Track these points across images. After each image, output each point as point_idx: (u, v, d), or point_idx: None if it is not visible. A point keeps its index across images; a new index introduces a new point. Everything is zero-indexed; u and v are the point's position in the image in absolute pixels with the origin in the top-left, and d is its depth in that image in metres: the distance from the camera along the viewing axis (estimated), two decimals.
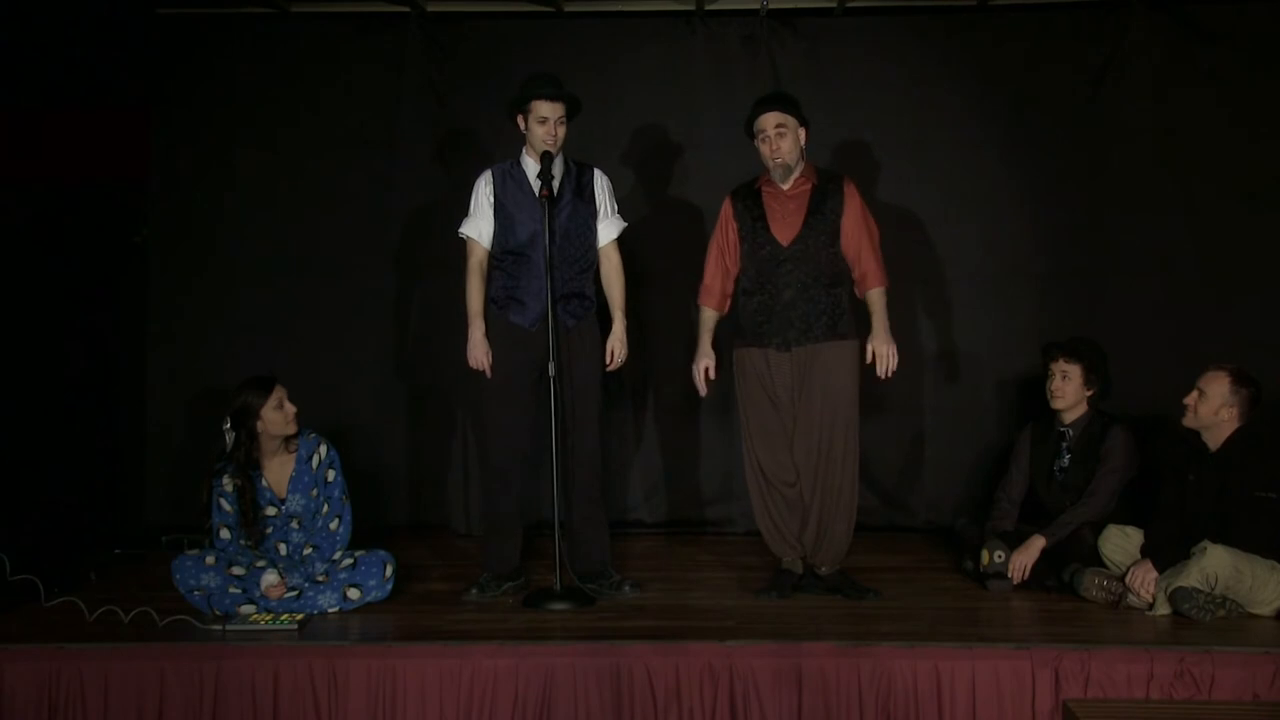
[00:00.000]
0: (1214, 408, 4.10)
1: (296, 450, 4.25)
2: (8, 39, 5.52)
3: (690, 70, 5.64)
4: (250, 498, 4.18)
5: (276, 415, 4.16)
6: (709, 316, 4.40)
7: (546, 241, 4.14)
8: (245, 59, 5.69)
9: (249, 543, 4.19)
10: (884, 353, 4.18)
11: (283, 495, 4.25)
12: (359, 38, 5.69)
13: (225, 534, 4.20)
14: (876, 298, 4.25)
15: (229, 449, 4.19)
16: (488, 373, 4.32)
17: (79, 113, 5.97)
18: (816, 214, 4.22)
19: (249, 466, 4.19)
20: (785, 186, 4.28)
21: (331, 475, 4.26)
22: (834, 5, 5.59)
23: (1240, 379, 4.11)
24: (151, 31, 5.65)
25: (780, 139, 4.18)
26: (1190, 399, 4.15)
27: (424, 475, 5.73)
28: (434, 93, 5.67)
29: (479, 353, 4.31)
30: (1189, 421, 4.17)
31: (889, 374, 4.20)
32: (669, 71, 5.65)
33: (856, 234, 4.24)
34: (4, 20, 5.34)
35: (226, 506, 4.19)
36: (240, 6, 5.62)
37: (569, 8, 5.63)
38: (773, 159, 4.21)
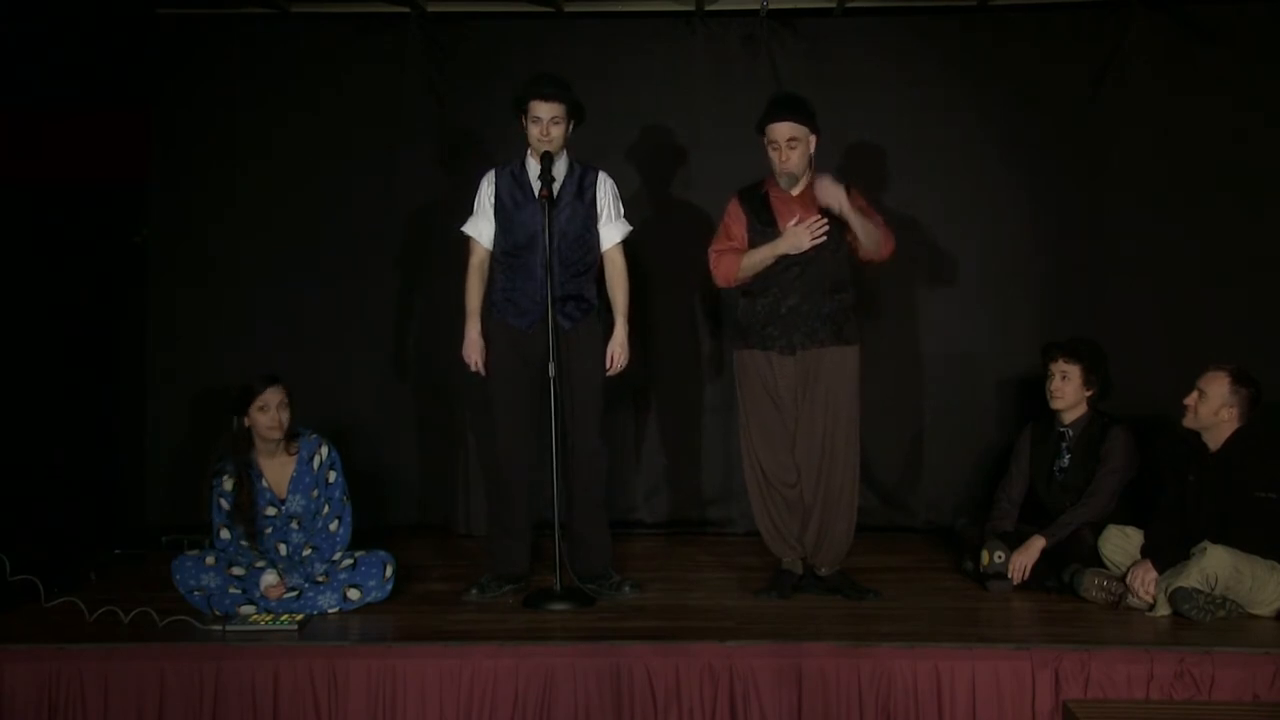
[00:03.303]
0: (1214, 408, 4.10)
1: (297, 451, 4.25)
2: (7, 39, 5.52)
3: (690, 70, 5.64)
4: (246, 494, 4.17)
5: (260, 417, 4.15)
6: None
7: (545, 242, 4.13)
8: (245, 59, 5.68)
9: (247, 542, 4.19)
10: (827, 185, 4.09)
11: (283, 496, 4.24)
12: (359, 38, 5.68)
13: (225, 534, 4.20)
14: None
15: (232, 441, 4.19)
16: (481, 371, 4.32)
17: (79, 113, 5.97)
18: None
19: (245, 464, 4.18)
20: (793, 192, 4.27)
21: (332, 476, 4.26)
22: (834, 5, 5.58)
23: (1240, 379, 4.10)
24: (151, 31, 5.64)
25: (791, 150, 4.17)
26: (1190, 399, 4.15)
27: (424, 475, 5.73)
28: (434, 93, 5.67)
29: (473, 351, 4.31)
30: (1189, 422, 4.17)
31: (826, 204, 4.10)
32: (669, 72, 5.64)
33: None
34: (3, 20, 5.33)
35: (226, 506, 4.19)
36: (240, 6, 5.62)
37: (569, 8, 5.62)
38: (781, 168, 4.21)
